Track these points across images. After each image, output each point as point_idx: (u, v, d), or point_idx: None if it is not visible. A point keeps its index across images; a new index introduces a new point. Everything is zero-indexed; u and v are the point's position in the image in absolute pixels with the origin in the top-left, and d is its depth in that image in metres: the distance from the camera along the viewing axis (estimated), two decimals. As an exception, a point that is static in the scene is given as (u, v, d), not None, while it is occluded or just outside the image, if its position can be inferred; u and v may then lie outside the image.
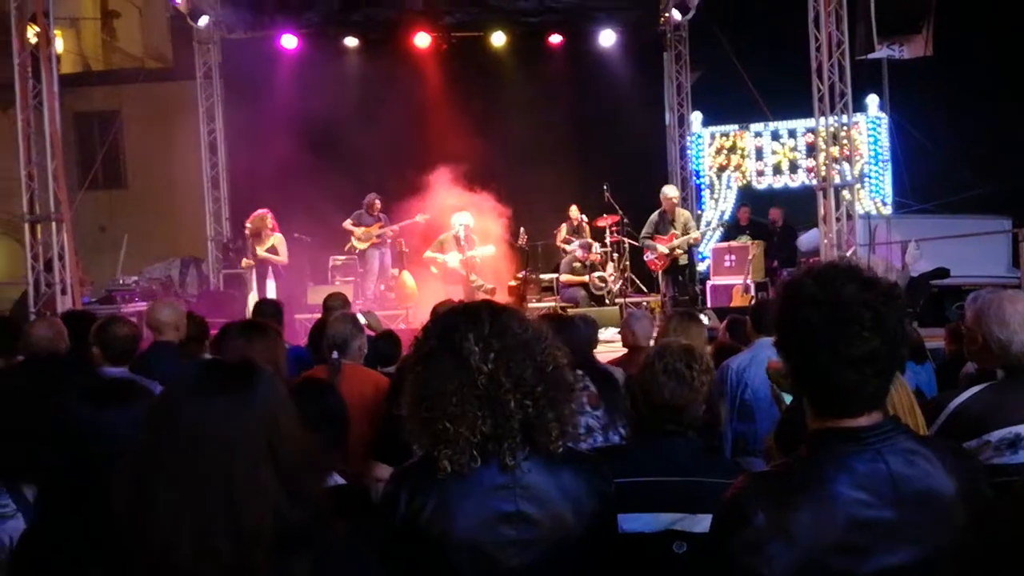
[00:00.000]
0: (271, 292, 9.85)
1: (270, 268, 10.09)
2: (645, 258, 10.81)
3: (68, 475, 1.73)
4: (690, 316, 3.19)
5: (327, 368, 3.84)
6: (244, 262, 10.44)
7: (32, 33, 8.67)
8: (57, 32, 9.88)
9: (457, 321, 1.81)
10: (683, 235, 10.41)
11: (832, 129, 9.81)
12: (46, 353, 4.00)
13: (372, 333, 6.23)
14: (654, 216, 10.65)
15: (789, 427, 2.81)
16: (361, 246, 11.28)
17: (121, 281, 11.08)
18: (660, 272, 10.80)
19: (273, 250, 10.05)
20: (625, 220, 11.62)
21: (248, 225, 10.16)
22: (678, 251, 10.46)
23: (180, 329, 4.38)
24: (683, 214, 10.72)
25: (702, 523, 1.90)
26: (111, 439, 1.68)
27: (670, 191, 10.77)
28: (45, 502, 1.80)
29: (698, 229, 11.21)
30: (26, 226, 8.87)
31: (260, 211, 10.13)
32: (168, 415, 1.36)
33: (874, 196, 13.31)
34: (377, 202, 11.32)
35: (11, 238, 14.09)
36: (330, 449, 2.52)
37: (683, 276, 10.68)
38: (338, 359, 3.86)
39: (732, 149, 13.99)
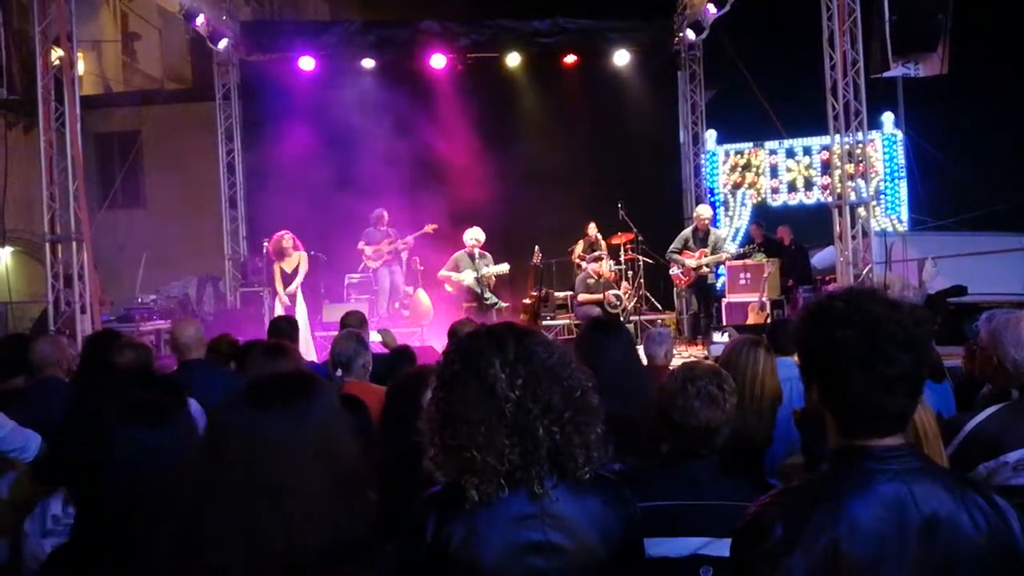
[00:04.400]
0: (301, 314, 9.59)
1: (299, 292, 9.92)
2: (671, 272, 10.85)
3: (106, 492, 1.73)
4: (756, 343, 3.08)
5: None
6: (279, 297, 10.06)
7: (55, 56, 8.77)
8: (79, 54, 9.99)
9: (481, 346, 1.76)
10: (712, 254, 10.48)
11: (847, 147, 9.80)
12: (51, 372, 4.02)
13: (387, 351, 6.27)
14: (686, 232, 10.74)
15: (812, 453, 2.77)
16: (373, 265, 11.31)
17: (140, 300, 11.19)
18: (684, 288, 10.85)
19: (296, 272, 9.86)
20: (640, 238, 11.65)
21: (283, 245, 9.87)
22: (705, 268, 10.51)
23: (205, 345, 4.45)
24: (715, 233, 10.77)
25: (728, 547, 1.89)
26: (150, 456, 1.68)
27: (704, 211, 10.90)
28: (81, 520, 1.81)
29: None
30: (47, 245, 8.94)
31: (280, 232, 10.01)
32: (226, 429, 1.35)
33: (890, 213, 13.27)
34: (385, 215, 11.30)
35: (31, 257, 14.24)
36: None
37: (705, 293, 10.71)
38: (341, 377, 3.89)
39: (747, 167, 14.00)
